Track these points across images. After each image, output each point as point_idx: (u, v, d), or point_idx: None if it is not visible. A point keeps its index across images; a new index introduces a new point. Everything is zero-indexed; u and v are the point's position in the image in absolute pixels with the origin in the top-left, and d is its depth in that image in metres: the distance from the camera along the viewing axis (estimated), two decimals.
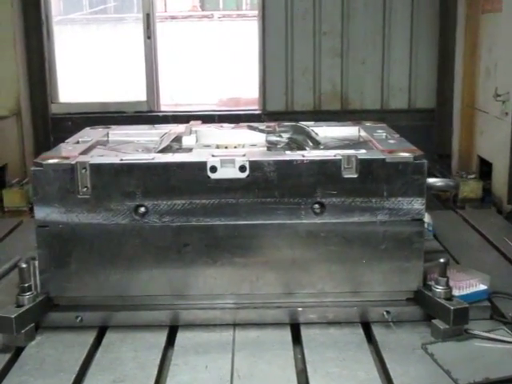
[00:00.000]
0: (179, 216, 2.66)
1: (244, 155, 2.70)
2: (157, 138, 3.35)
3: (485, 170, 4.81)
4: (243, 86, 8.90)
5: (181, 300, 2.75)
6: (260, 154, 2.73)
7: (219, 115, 6.94)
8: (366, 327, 2.71)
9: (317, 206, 2.67)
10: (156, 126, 3.57)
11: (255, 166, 2.63)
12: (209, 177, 2.63)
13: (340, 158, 2.64)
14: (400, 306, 2.74)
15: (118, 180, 2.64)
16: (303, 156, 2.67)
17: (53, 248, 2.69)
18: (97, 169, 2.63)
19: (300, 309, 2.72)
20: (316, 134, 3.34)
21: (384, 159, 2.64)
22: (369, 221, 2.67)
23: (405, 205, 2.66)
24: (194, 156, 2.69)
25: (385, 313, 2.70)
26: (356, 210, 2.67)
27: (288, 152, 2.76)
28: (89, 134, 3.33)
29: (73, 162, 2.63)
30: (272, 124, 3.37)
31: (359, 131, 3.39)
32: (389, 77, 6.67)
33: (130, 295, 2.74)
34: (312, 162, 2.63)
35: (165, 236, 2.68)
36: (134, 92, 7.22)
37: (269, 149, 2.86)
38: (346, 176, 2.64)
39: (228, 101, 9.34)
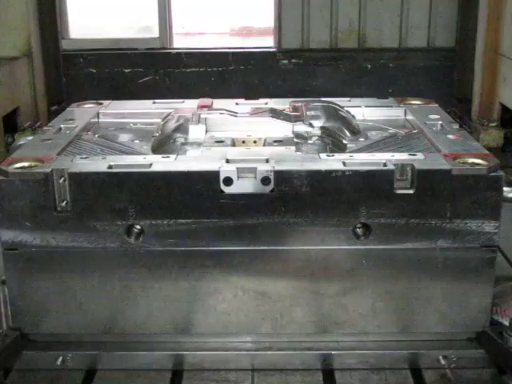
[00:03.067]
0: (184, 239, 2.09)
1: (267, 160, 2.10)
2: (158, 119, 2.73)
3: (506, 117, 4.60)
4: (256, 15, 8.46)
5: (186, 339, 2.20)
6: (287, 157, 2.12)
7: (233, 53, 6.83)
8: (417, 375, 2.17)
9: (360, 228, 2.08)
10: (157, 101, 2.94)
11: (282, 177, 2.03)
12: (222, 191, 2.03)
13: (392, 168, 2.03)
14: (460, 349, 2.18)
15: (105, 193, 2.05)
16: (344, 164, 2.06)
17: (25, 275, 2.14)
18: (78, 178, 2.04)
19: (335, 352, 2.17)
20: (353, 116, 2.72)
21: (449, 171, 2.03)
22: (426, 247, 2.10)
23: (473, 228, 2.07)
24: (203, 162, 2.08)
25: (441, 358, 2.15)
26: (410, 233, 2.08)
27: (323, 156, 2.14)
28: (76, 115, 2.72)
29: (47, 171, 2.04)
30: (299, 104, 2.74)
31: (405, 114, 2.76)
32: (408, 13, 6.35)
33: (123, 332, 2.19)
34: (356, 174, 2.03)
35: (166, 263, 2.11)
36: (146, 30, 6.92)
37: (297, 147, 2.25)
38: (399, 192, 2.04)
39: (240, 29, 8.87)
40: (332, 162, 2.09)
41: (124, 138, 2.55)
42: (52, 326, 2.19)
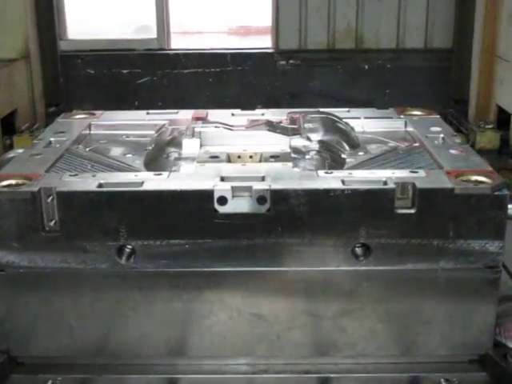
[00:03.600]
0: (177, 260, 2.01)
1: (263, 178, 2.03)
2: (151, 131, 2.66)
3: (503, 119, 4.56)
4: (254, 14, 8.48)
5: (180, 361, 2.13)
6: (284, 175, 2.04)
7: (231, 54, 6.86)
8: None
9: (359, 248, 2.01)
10: (151, 112, 2.86)
11: (279, 196, 1.96)
12: (216, 210, 1.96)
13: (393, 187, 1.96)
14: (462, 372, 2.11)
15: (95, 212, 1.98)
16: (343, 182, 1.99)
17: (12, 297, 2.06)
18: (66, 197, 1.97)
19: (333, 375, 2.10)
20: (352, 128, 2.64)
21: (452, 190, 1.95)
22: (427, 268, 2.02)
23: (476, 248, 2.00)
24: (197, 180, 2.01)
25: (443, 381, 2.08)
26: (411, 253, 2.01)
27: (321, 173, 2.07)
28: (66, 127, 2.64)
29: (34, 189, 1.96)
30: (296, 116, 2.66)
31: (406, 125, 2.69)
32: (405, 14, 6.36)
33: (115, 354, 2.12)
34: (355, 193, 1.95)
35: (158, 284, 2.04)
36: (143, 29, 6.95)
37: (295, 162, 2.18)
38: (399, 211, 1.96)
39: (238, 29, 8.88)
40: (330, 180, 2.01)
41: (116, 151, 2.47)
42: (41, 349, 2.12)
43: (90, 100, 6.08)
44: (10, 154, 2.56)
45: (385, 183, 1.99)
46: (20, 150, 2.51)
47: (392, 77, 6.57)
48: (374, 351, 2.11)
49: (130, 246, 2.00)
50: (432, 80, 6.28)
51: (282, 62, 6.98)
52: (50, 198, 1.97)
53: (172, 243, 2.00)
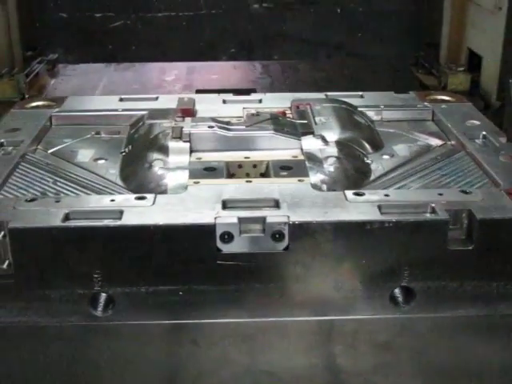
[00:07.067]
0: (168, 310, 1.57)
1: (277, 204, 1.58)
2: (126, 123, 2.18)
3: (473, 62, 4.65)
4: None
5: None
6: (303, 199, 1.59)
7: None
8: None
9: (400, 293, 1.58)
10: (124, 98, 2.36)
11: (300, 231, 1.51)
12: (219, 249, 1.51)
13: (446, 218, 1.52)
14: None
15: (60, 253, 1.51)
16: (380, 209, 1.55)
17: None
18: (22, 235, 1.50)
19: None
20: (371, 122, 2.20)
21: None
22: (483, 314, 1.61)
23: None
24: (192, 208, 1.55)
25: None
26: (464, 298, 1.60)
27: (350, 195, 1.62)
28: (22, 121, 2.15)
29: None
30: (303, 104, 2.19)
31: (433, 116, 2.25)
32: None
33: None
34: (397, 226, 1.52)
35: (144, 341, 1.60)
36: None
37: (312, 176, 1.73)
38: (453, 248, 1.54)
39: None
40: (364, 208, 1.57)
41: (84, 155, 1.99)
42: None
43: (65, 44, 5.76)
44: None
45: (433, 211, 1.56)
46: None
47: (364, 20, 6.28)
48: None
49: (106, 294, 1.55)
50: (404, 24, 6.03)
51: (256, 6, 6.58)
52: (1, 234, 1.50)
53: (161, 290, 1.55)
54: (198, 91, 3.51)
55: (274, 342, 1.62)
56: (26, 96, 3.81)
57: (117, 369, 1.62)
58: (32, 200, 1.61)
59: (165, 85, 3.91)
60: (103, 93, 3.69)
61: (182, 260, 1.52)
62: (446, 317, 1.61)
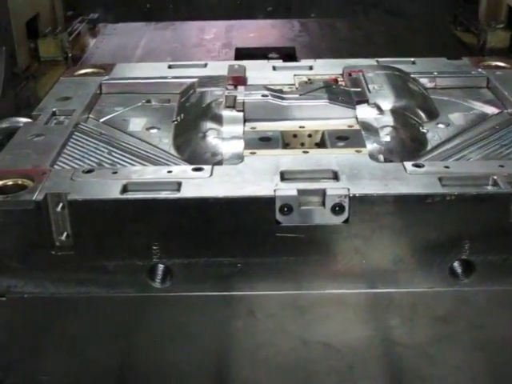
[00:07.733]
0: (226, 282, 1.57)
1: (336, 175, 1.56)
2: (176, 91, 2.16)
3: None
4: None
5: None
6: (362, 170, 1.57)
7: None
8: None
9: (460, 266, 1.56)
10: (173, 65, 2.34)
11: (360, 204, 1.49)
12: (278, 222, 1.50)
13: (509, 190, 1.49)
14: None
15: (119, 225, 1.52)
16: (440, 181, 1.52)
17: (15, 328, 1.62)
18: (81, 207, 1.50)
19: None
20: (425, 89, 2.15)
21: None
22: None
23: None
24: (249, 179, 1.54)
25: None
26: None
27: (410, 167, 1.59)
28: (72, 90, 2.14)
29: (39, 198, 1.49)
30: (355, 72, 2.15)
31: (488, 83, 2.19)
32: None
33: None
34: (459, 199, 1.49)
35: (202, 313, 1.61)
36: None
37: (369, 144, 1.70)
38: None
39: None
40: (424, 180, 1.54)
41: (136, 124, 1.98)
42: None
43: (104, 4, 5.73)
44: (3, 124, 2.06)
45: (495, 183, 1.53)
46: (20, 119, 2.01)
47: None
48: None
49: (165, 266, 1.55)
50: None
51: None
52: (60, 206, 1.50)
53: (219, 262, 1.55)
54: (238, 49, 3.48)
55: (331, 314, 1.62)
56: (69, 55, 3.79)
57: (174, 340, 1.63)
58: (89, 171, 1.61)
59: (204, 43, 3.86)
60: (144, 51, 3.65)
61: (241, 232, 1.52)
62: (506, 290, 1.59)
